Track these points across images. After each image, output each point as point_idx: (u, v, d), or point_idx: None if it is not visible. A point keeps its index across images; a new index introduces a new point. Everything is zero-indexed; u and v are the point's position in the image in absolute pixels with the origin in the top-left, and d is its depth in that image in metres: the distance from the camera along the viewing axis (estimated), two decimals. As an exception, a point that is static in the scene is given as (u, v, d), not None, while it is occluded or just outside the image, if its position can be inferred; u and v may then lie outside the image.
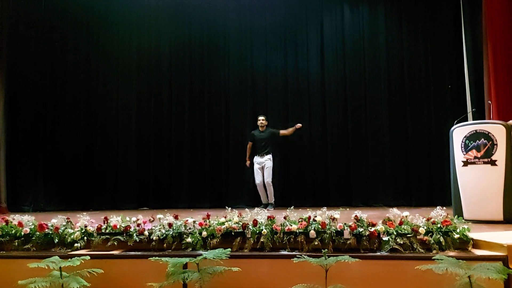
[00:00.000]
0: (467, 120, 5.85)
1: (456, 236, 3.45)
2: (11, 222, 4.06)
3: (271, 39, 8.53)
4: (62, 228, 3.96)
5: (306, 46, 8.44)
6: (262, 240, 3.62)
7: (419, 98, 8.00)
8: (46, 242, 3.91)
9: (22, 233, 3.94)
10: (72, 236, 3.85)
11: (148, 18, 8.80)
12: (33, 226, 4.00)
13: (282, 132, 7.74)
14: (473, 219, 4.65)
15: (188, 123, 8.52)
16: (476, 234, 3.61)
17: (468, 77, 7.42)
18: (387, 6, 8.32)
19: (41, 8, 8.64)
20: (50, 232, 3.93)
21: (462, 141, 4.88)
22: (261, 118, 7.72)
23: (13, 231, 3.96)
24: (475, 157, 4.78)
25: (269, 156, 7.56)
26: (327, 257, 3.20)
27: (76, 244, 3.83)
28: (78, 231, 3.91)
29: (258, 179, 7.56)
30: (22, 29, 8.50)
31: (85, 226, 3.93)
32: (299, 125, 7.72)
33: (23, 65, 8.51)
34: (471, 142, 4.82)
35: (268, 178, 7.46)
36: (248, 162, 7.75)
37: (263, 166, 7.53)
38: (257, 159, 7.61)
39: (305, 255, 3.30)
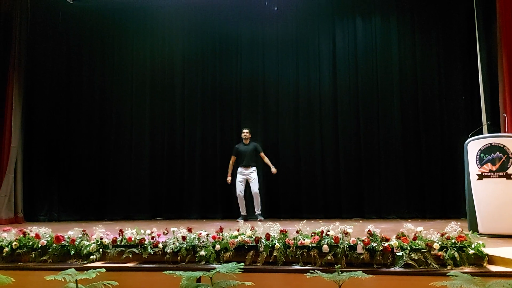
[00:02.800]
0: (482, 133, 5.80)
1: (471, 251, 3.41)
2: (29, 234, 4.13)
3: (282, 51, 8.58)
4: (78, 240, 4.01)
5: (317, 57, 8.46)
6: (275, 254, 3.62)
7: (433, 110, 7.95)
8: (63, 254, 3.96)
9: (39, 245, 4.00)
10: (88, 248, 3.90)
11: (161, 30, 8.95)
12: (50, 238, 4.06)
13: (262, 154, 7.71)
14: (488, 233, 4.60)
15: (200, 134, 8.59)
16: (491, 249, 3.57)
17: (482, 89, 7.33)
18: (400, 17, 8.32)
19: (58, 24, 8.87)
20: (67, 244, 3.99)
21: (477, 154, 4.84)
22: (245, 130, 7.74)
23: (30, 243, 4.02)
24: (490, 171, 4.74)
25: (254, 168, 7.62)
26: (340, 272, 3.19)
27: (91, 256, 3.87)
28: (93, 243, 3.95)
29: (239, 190, 7.58)
30: (39, 43, 8.72)
31: (101, 238, 3.98)
32: (274, 170, 7.62)
33: (40, 79, 8.72)
34: (486, 155, 4.78)
35: (256, 189, 7.51)
36: (229, 179, 7.72)
37: (247, 178, 7.58)
38: (241, 170, 7.62)
39: (318, 269, 3.29)
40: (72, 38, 8.95)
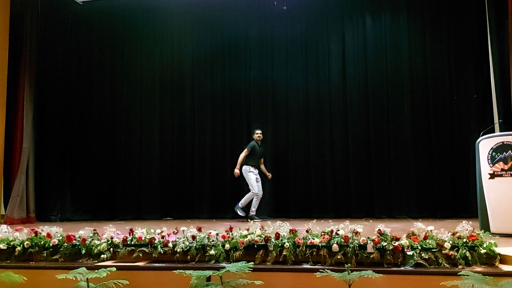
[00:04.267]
0: (493, 132, 5.74)
1: (483, 251, 3.38)
2: (40, 233, 4.17)
3: (292, 50, 8.55)
4: (89, 240, 4.05)
5: (327, 56, 8.41)
6: (284, 253, 3.62)
7: (444, 108, 7.86)
8: (74, 253, 4.01)
9: (51, 244, 4.04)
10: (98, 248, 3.94)
11: (170, 31, 8.98)
12: (61, 237, 4.10)
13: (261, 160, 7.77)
14: (500, 233, 4.55)
15: (210, 134, 8.61)
16: (504, 249, 3.53)
17: (494, 87, 7.24)
18: (410, 15, 8.24)
19: (68, 25, 8.97)
20: (78, 243, 4.03)
21: (489, 153, 4.79)
22: (259, 132, 7.71)
23: (42, 242, 4.07)
24: (502, 170, 4.69)
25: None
26: (350, 271, 3.18)
27: (102, 255, 3.91)
28: (104, 242, 3.99)
29: (261, 191, 7.61)
30: (50, 44, 8.81)
31: (111, 238, 4.02)
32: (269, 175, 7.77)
33: (51, 80, 8.81)
34: (498, 154, 4.72)
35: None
36: (238, 172, 7.53)
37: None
38: (255, 171, 7.60)
39: (328, 269, 3.28)
40: (82, 39, 9.03)
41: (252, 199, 7.47)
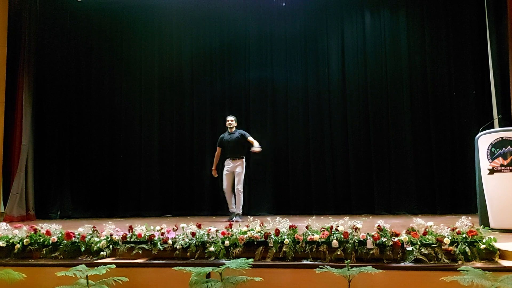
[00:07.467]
0: (493, 127, 5.74)
1: (482, 246, 3.39)
2: (40, 230, 4.17)
3: (291, 47, 8.53)
4: (89, 237, 4.04)
5: (326, 53, 8.40)
6: (284, 249, 3.63)
7: (443, 104, 7.87)
8: (73, 250, 4.00)
9: (50, 242, 4.03)
10: (98, 245, 3.93)
11: (169, 28, 8.94)
12: (60, 235, 4.09)
13: (250, 139, 6.92)
14: (499, 228, 4.57)
15: (209, 131, 8.57)
16: (503, 244, 3.54)
17: (493, 82, 7.24)
18: (409, 11, 8.22)
19: (67, 22, 8.92)
20: (77, 241, 4.02)
21: (488, 149, 4.80)
22: (229, 118, 7.08)
23: (41, 240, 4.06)
24: (501, 165, 4.69)
25: (241, 161, 6.92)
26: (350, 267, 3.19)
27: (102, 253, 3.91)
28: (103, 239, 3.99)
29: (225, 185, 6.92)
30: (48, 42, 8.77)
31: (111, 235, 4.01)
32: (256, 149, 6.79)
33: (50, 77, 8.76)
34: (497, 149, 4.73)
35: (239, 185, 6.83)
36: (214, 172, 7.13)
37: (233, 172, 6.90)
38: (227, 162, 6.97)
39: (327, 265, 3.29)
40: (80, 36, 8.99)
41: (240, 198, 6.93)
